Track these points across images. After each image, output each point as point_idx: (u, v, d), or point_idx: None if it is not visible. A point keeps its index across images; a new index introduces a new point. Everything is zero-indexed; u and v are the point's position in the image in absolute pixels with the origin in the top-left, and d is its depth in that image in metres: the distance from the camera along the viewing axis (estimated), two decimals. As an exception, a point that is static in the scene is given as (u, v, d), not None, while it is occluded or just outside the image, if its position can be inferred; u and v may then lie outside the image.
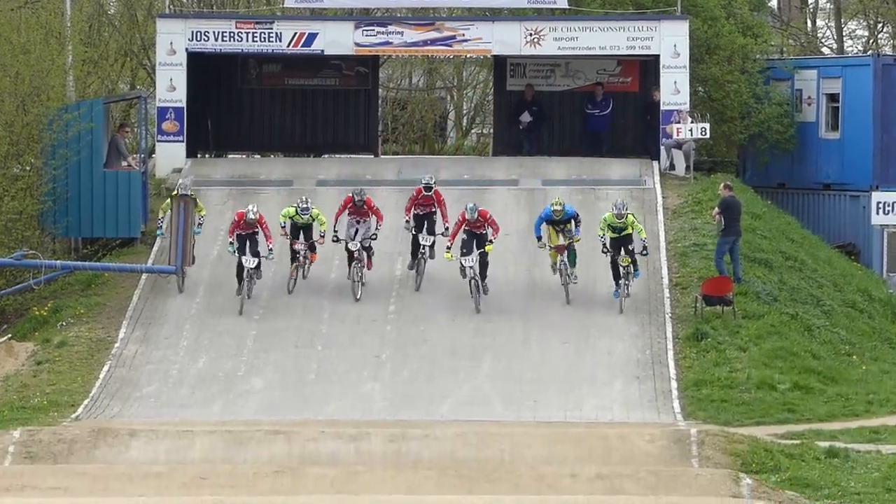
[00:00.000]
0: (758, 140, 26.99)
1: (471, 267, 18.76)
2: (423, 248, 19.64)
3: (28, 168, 22.23)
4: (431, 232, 19.67)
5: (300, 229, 19.56)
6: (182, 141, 24.57)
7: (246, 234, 19.01)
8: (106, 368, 18.34)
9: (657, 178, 23.66)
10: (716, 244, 20.28)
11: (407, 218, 19.76)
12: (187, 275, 20.64)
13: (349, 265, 19.35)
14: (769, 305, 19.55)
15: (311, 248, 19.63)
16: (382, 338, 19.20)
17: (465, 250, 18.82)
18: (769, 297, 19.81)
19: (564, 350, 18.43)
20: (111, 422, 16.15)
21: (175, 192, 20.47)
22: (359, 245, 19.22)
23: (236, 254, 18.87)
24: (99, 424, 15.81)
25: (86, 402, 16.97)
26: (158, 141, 24.97)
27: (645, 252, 18.86)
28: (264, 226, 19.13)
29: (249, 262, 18.81)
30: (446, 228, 19.52)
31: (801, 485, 13.38)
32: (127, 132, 24.49)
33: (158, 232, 19.89)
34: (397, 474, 13.87)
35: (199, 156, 26.08)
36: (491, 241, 19.09)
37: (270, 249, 19.25)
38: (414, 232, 19.55)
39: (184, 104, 24.34)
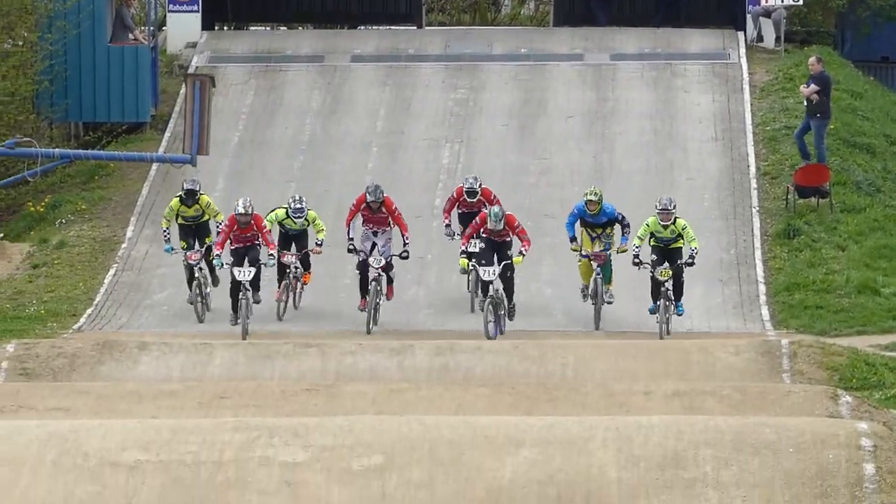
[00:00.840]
0: (858, 6, 24.98)
1: (491, 282, 15.24)
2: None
3: (21, 43, 21.66)
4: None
5: (291, 238, 16.55)
6: (197, 11, 23.41)
7: (243, 248, 15.79)
8: (112, 272, 18.01)
9: (743, 51, 22.69)
10: (814, 128, 19.14)
11: (447, 221, 16.57)
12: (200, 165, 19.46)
13: (361, 290, 15.81)
14: (871, 197, 18.82)
15: (305, 263, 16.41)
16: (428, 237, 18.44)
17: (483, 260, 15.41)
18: (871, 188, 19.06)
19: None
20: (118, 333, 15.99)
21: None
22: (382, 261, 15.56)
23: (224, 266, 15.77)
24: (104, 336, 15.63)
25: (89, 311, 16.77)
26: (170, 11, 23.78)
27: (692, 262, 15.42)
28: (262, 229, 15.77)
29: (244, 273, 15.40)
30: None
31: (908, 401, 13.38)
32: (133, 2, 23.25)
33: (166, 248, 16.21)
34: (445, 392, 13.34)
35: (216, 28, 25.04)
36: (521, 253, 15.66)
37: (271, 255, 15.70)
38: (459, 237, 16.12)
39: (198, -34, 23.53)
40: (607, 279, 15.65)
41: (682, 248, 15.15)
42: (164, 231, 15.88)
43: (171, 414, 12.40)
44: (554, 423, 11.86)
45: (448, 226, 16.40)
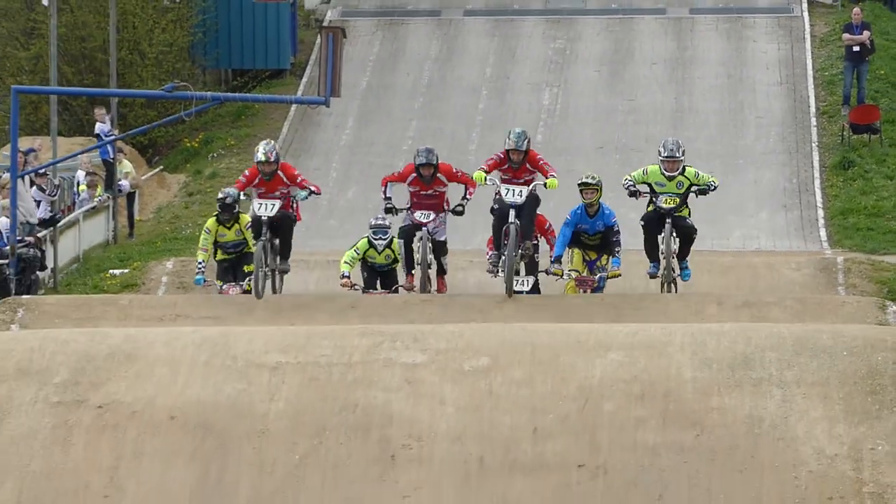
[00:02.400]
0: (907, -33, 24.24)
1: (513, 206, 12.10)
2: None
3: (178, 0, 22.40)
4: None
5: (378, 274, 13.19)
6: (329, -30, 23.69)
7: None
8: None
9: (805, 5, 23.01)
10: (858, 72, 20.10)
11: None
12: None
13: (406, 265, 12.67)
14: None
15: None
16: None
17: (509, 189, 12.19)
18: None
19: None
20: None
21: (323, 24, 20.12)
22: (427, 241, 12.09)
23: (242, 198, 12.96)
24: None
25: None
26: (305, -29, 24.26)
27: (712, 187, 11.74)
28: (296, 178, 12.42)
29: (267, 208, 11.96)
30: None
31: (950, 312, 13.24)
32: (273, -37, 23.44)
33: (197, 279, 13.53)
34: (543, 303, 13.14)
35: (346, -15, 25.26)
36: (553, 176, 12.28)
37: (311, 191, 12.37)
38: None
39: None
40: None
41: (686, 217, 11.76)
42: (200, 264, 13.13)
43: (307, 321, 12.36)
44: (638, 329, 11.66)
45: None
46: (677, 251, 11.68)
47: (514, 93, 21.20)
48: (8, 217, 14.83)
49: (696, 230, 11.91)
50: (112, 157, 18.71)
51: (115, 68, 19.10)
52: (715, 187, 11.51)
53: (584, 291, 12.56)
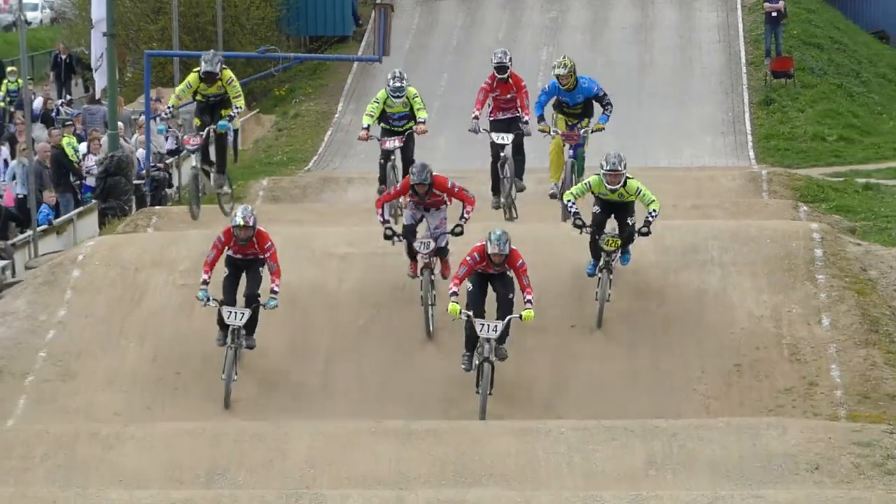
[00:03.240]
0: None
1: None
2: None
3: None
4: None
5: (393, 133, 9.82)
6: (382, -47, 21.08)
7: (237, 262, 8.24)
8: (329, 133, 18.42)
9: None
10: (776, 32, 19.38)
11: (476, 113, 9.77)
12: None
13: (409, 254, 8.77)
14: (820, 78, 19.08)
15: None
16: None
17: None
18: (821, 72, 19.27)
19: (666, 112, 18.18)
20: (333, 172, 16.34)
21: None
22: (431, 246, 8.58)
23: (210, 302, 8.02)
24: (324, 174, 16.00)
25: (314, 158, 17.28)
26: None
27: (647, 230, 8.53)
28: (268, 251, 8.19)
29: (235, 315, 7.99)
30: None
31: (844, 210, 13.40)
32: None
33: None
34: (540, 209, 11.23)
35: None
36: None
37: (275, 292, 8.12)
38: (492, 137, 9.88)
39: None
40: (580, 170, 9.92)
41: (632, 203, 8.60)
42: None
43: (368, 224, 11.01)
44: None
45: (476, 119, 9.78)
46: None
47: (519, 51, 19.68)
48: (144, 149, 14.47)
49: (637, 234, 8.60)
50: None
51: (222, 37, 18.68)
52: (656, 215, 8.39)
53: (570, 147, 9.66)
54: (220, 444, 7.32)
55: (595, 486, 6.86)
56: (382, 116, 9.58)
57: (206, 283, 7.81)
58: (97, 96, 16.12)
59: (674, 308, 9.00)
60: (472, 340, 7.67)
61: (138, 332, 8.96)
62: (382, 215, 8.77)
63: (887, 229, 12.92)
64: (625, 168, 8.30)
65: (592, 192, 8.42)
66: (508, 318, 7.60)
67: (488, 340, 7.55)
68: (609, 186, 8.20)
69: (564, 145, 9.70)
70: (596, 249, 8.49)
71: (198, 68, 9.59)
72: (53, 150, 12.88)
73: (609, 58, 19.35)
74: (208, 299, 7.82)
